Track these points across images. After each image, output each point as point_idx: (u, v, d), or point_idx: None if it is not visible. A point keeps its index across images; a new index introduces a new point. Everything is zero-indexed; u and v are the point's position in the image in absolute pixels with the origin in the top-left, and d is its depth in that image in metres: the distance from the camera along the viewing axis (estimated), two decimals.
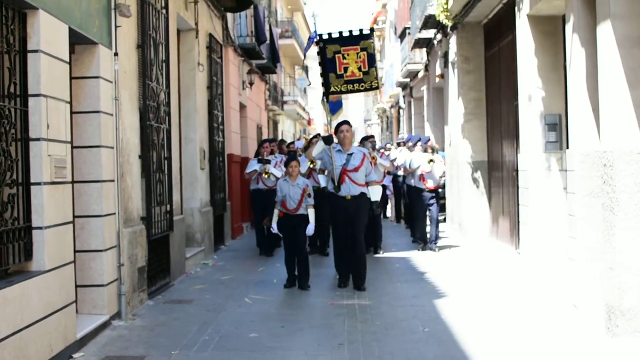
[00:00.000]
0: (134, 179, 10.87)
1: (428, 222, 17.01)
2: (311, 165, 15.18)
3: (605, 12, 8.89)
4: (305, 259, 12.49)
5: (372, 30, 13.05)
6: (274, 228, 12.51)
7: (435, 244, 16.73)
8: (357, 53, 12.62)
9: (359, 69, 12.67)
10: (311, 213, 12.40)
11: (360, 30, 12.75)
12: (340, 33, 12.71)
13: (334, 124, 12.89)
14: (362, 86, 12.85)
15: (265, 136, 28.08)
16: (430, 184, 16.61)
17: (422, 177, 16.60)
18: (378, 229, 16.37)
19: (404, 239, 19.07)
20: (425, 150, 16.98)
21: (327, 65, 12.72)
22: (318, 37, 12.86)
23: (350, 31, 12.68)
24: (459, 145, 18.69)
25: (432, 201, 16.62)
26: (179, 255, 13.29)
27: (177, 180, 13.55)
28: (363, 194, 12.22)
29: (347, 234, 12.22)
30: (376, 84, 12.90)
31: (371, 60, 12.68)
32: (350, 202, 12.11)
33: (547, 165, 12.57)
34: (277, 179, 15.09)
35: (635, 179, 8.46)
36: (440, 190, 17.66)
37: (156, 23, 12.01)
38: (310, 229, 12.36)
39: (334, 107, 13.57)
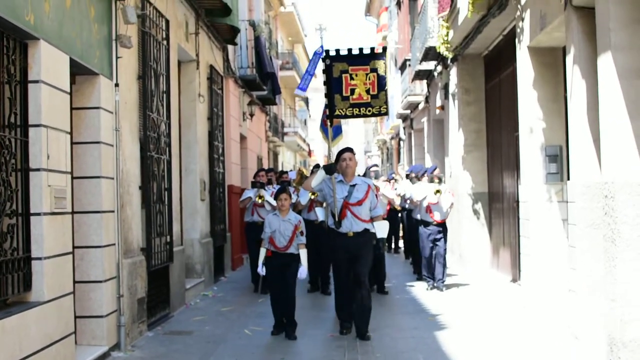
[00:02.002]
0: (134, 210, 10.85)
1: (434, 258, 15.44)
2: (312, 197, 14.11)
3: (605, 43, 8.92)
4: (292, 305, 11.14)
5: (384, 49, 11.87)
6: (261, 269, 11.17)
7: (443, 282, 15.36)
8: (367, 74, 11.43)
9: (367, 91, 11.44)
10: (303, 254, 11.08)
11: (372, 49, 11.67)
12: (350, 50, 11.53)
13: (334, 151, 11.69)
14: (370, 111, 11.58)
15: (266, 168, 27.85)
16: (437, 217, 15.22)
17: (428, 209, 15.23)
18: (382, 266, 15.21)
19: (406, 270, 18.99)
20: (431, 180, 15.44)
21: (333, 85, 11.48)
22: (325, 54, 11.64)
23: (361, 49, 11.55)
24: (460, 176, 18.68)
25: (439, 235, 15.25)
26: (178, 286, 13.24)
27: (177, 211, 13.53)
28: (367, 231, 10.86)
29: (350, 275, 10.86)
30: (385, 109, 11.61)
31: (381, 82, 11.45)
32: (352, 239, 10.74)
33: (548, 196, 12.55)
34: (273, 208, 13.87)
35: (637, 210, 8.45)
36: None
37: (157, 54, 12.04)
38: (302, 272, 11.03)
39: (334, 134, 12.18)
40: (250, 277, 16.43)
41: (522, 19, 12.79)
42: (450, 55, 18.83)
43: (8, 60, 7.35)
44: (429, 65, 22.82)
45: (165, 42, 12.48)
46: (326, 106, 11.77)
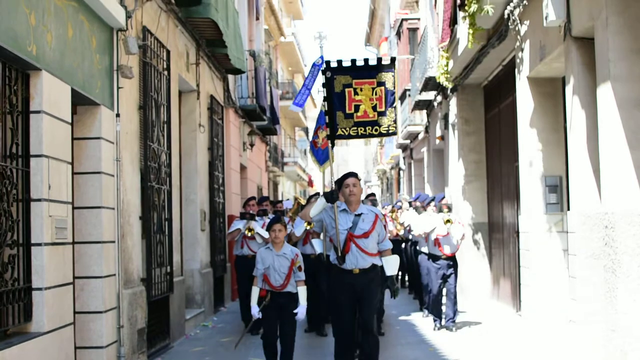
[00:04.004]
0: (134, 240, 10.85)
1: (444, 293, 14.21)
2: (308, 227, 12.98)
3: (605, 74, 8.96)
4: (290, 350, 9.64)
5: (392, 60, 10.20)
6: (256, 312, 9.59)
7: (453, 321, 13.96)
8: (373, 88, 9.91)
9: (374, 108, 9.91)
10: (302, 292, 9.64)
11: (379, 60, 10.26)
12: (353, 62, 10.03)
13: (325, 176, 10.32)
14: (377, 130, 10.01)
15: (260, 196, 27.12)
16: (447, 250, 13.84)
17: (437, 242, 13.87)
18: (380, 304, 13.50)
19: (407, 301, 18.93)
20: (440, 210, 14.03)
21: (335, 102, 9.99)
22: (325, 65, 10.08)
23: (366, 60, 10.08)
24: (460, 207, 18.66)
25: (449, 271, 13.90)
26: (178, 316, 13.21)
27: (177, 241, 13.52)
28: (375, 267, 9.18)
29: (353, 319, 9.21)
30: (394, 129, 10.05)
31: (389, 98, 9.94)
32: (358, 276, 9.03)
33: (548, 226, 12.55)
34: (265, 240, 12.73)
35: (637, 240, 8.45)
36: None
37: (158, 84, 12.08)
38: (301, 313, 9.60)
39: (321, 156, 10.93)
40: (239, 316, 14.90)
41: (522, 50, 12.84)
42: (450, 86, 18.88)
43: (10, 90, 7.37)
44: (429, 95, 22.86)
45: (166, 73, 12.52)
46: (317, 127, 10.45)
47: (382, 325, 13.90)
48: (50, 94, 7.87)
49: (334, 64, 10.02)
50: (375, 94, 9.91)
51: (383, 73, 9.98)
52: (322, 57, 10.15)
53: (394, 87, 10.01)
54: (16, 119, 7.49)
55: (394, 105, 10.02)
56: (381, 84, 9.93)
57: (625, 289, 8.53)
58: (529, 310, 12.93)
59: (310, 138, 11.64)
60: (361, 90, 9.93)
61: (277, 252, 9.62)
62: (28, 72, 7.66)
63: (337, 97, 9.97)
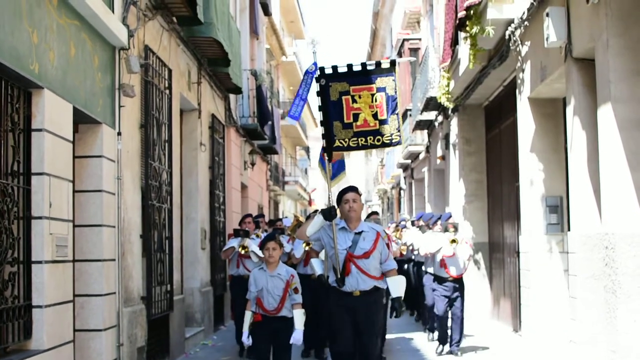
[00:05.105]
0: (134, 259, 10.85)
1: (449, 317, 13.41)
2: (307, 248, 12.06)
3: (605, 95, 8.98)
4: None
5: (393, 63, 9.16)
6: (246, 339, 9.02)
7: (458, 346, 13.24)
8: (373, 95, 8.90)
9: (374, 116, 8.90)
10: (298, 315, 8.97)
11: (377, 63, 9.20)
12: (350, 67, 9.01)
13: (335, 192, 9.04)
14: (379, 140, 8.98)
15: (267, 217, 26.79)
16: (453, 272, 13.06)
17: (443, 263, 13.07)
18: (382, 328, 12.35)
19: (407, 320, 18.85)
20: (446, 229, 13.20)
21: (331, 111, 9.02)
22: (319, 72, 9.06)
23: (364, 64, 9.07)
24: (460, 226, 18.62)
25: (455, 294, 13.15)
26: (178, 335, 13.18)
27: (177, 259, 13.50)
28: (377, 289, 8.53)
29: (353, 345, 8.47)
30: (398, 138, 8.98)
31: (391, 104, 8.92)
32: (358, 299, 8.37)
33: (549, 247, 12.55)
34: (260, 259, 12.11)
35: (638, 261, 8.46)
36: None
37: (159, 103, 12.10)
38: (297, 338, 8.89)
39: (334, 170, 9.69)
40: (235, 339, 14.11)
41: (523, 70, 12.87)
42: (451, 106, 18.90)
43: (12, 108, 7.38)
44: (430, 115, 22.88)
45: (167, 91, 12.54)
46: (324, 136, 9.30)
47: (383, 348, 13.15)
48: (52, 113, 7.88)
49: (328, 71, 9.04)
50: (375, 101, 8.93)
51: (382, 77, 8.99)
52: (315, 64, 9.14)
53: (396, 93, 9.00)
54: (18, 137, 7.50)
55: (396, 112, 8.99)
56: (381, 89, 8.95)
57: (625, 309, 8.53)
58: (529, 330, 12.91)
59: (320, 151, 10.36)
60: (360, 97, 8.96)
61: (271, 272, 8.97)
62: (30, 90, 7.67)
63: (334, 106, 9.03)
